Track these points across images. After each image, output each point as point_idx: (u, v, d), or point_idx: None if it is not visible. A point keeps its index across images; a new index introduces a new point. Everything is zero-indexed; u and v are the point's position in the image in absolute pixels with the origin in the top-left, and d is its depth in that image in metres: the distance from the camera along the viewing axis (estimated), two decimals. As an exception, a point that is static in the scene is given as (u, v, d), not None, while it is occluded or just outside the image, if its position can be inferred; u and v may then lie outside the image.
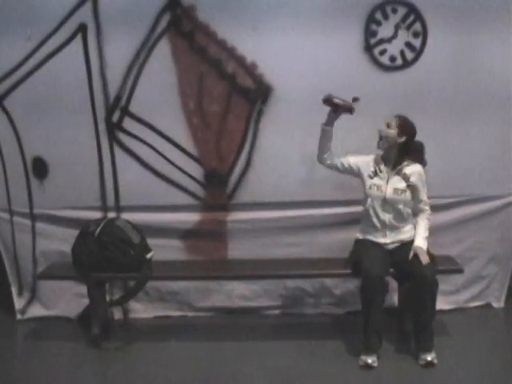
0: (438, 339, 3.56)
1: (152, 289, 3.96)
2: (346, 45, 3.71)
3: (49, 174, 3.90)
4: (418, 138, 3.80)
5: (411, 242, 3.48)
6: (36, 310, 4.06)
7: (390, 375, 3.27)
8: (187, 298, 4.03)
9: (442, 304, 3.95)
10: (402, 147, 3.45)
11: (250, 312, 4.00)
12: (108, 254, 3.54)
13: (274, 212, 3.88)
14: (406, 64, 3.75)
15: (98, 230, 3.59)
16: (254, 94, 3.79)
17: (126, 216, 3.86)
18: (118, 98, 3.81)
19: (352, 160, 3.55)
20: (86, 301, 3.72)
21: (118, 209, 3.92)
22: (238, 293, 4.01)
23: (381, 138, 3.45)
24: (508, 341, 3.66)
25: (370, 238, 3.52)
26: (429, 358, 3.29)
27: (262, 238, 3.91)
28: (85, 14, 3.71)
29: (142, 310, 4.02)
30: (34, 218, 3.97)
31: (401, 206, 3.46)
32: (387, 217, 3.46)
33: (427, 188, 3.85)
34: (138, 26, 3.70)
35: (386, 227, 3.48)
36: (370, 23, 3.70)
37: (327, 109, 3.72)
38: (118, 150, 3.87)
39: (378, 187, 3.46)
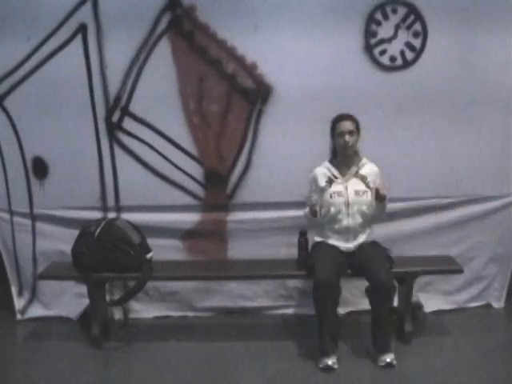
0: (438, 339, 3.58)
1: (152, 289, 3.96)
2: (346, 45, 3.71)
3: (49, 174, 3.90)
4: (417, 139, 3.83)
5: (369, 243, 3.48)
6: (36, 310, 4.05)
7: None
8: (187, 298, 4.03)
9: (442, 304, 3.97)
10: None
11: (250, 312, 4.00)
12: (108, 255, 3.54)
13: (274, 212, 3.88)
14: (406, 64, 3.75)
15: (98, 230, 3.59)
16: (254, 94, 3.79)
17: (126, 216, 3.86)
18: (118, 98, 3.81)
19: (316, 191, 3.47)
20: (86, 301, 3.72)
21: (118, 209, 3.92)
22: (238, 293, 4.01)
23: (346, 148, 3.41)
24: (508, 341, 3.66)
25: (330, 241, 3.50)
26: (388, 360, 3.27)
27: (262, 238, 3.91)
28: (85, 14, 3.71)
29: (142, 309, 4.02)
30: (33, 218, 3.97)
31: (365, 208, 3.44)
32: (351, 222, 3.44)
33: (427, 188, 3.87)
34: (138, 26, 3.70)
35: (348, 232, 3.46)
36: (370, 23, 3.70)
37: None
38: (118, 150, 3.87)
39: (339, 193, 3.43)
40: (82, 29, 3.73)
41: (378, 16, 3.70)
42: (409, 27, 3.71)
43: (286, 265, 3.73)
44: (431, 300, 3.96)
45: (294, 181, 3.83)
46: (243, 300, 4.02)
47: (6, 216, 3.99)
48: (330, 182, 3.45)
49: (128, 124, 3.84)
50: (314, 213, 3.36)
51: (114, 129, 3.85)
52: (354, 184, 3.44)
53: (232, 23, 3.69)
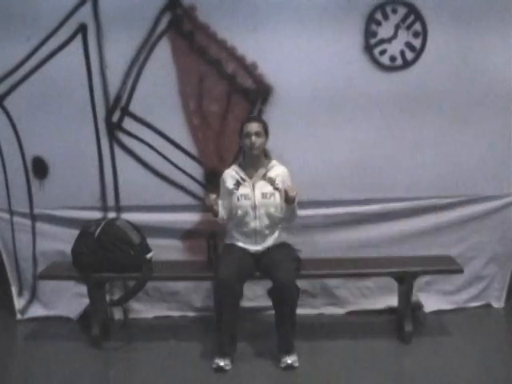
0: (438, 339, 3.58)
1: (152, 289, 3.96)
2: (346, 45, 3.71)
3: (49, 174, 3.90)
4: (417, 139, 3.82)
5: (278, 245, 3.47)
6: (36, 310, 4.05)
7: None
8: (187, 298, 4.03)
9: (442, 304, 3.97)
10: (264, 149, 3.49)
11: (250, 312, 4.00)
12: (108, 255, 3.54)
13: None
14: (406, 64, 3.74)
15: (98, 230, 3.59)
16: (254, 94, 3.79)
17: (125, 216, 3.86)
18: (118, 98, 3.81)
19: (225, 193, 3.50)
20: (86, 301, 3.72)
21: (118, 209, 3.92)
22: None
23: (251, 148, 3.43)
24: (508, 341, 3.66)
25: (239, 244, 3.49)
26: (289, 361, 3.27)
27: (262, 238, 3.91)
28: (85, 14, 3.71)
29: (142, 309, 4.02)
30: (34, 218, 3.97)
31: (272, 210, 3.43)
32: (259, 224, 3.43)
33: (427, 188, 3.86)
34: (138, 26, 3.70)
35: (256, 235, 3.45)
36: (370, 23, 3.70)
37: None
38: (118, 150, 3.87)
39: (246, 196, 3.43)
40: (82, 29, 3.73)
41: (378, 16, 3.70)
42: (409, 27, 3.71)
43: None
44: (431, 300, 3.96)
45: (293, 181, 3.83)
46: (243, 300, 4.01)
47: (6, 216, 4.00)
48: (238, 184, 3.46)
49: (128, 124, 3.84)
50: (214, 213, 3.42)
51: (114, 129, 3.85)
52: (262, 186, 3.43)
53: (232, 23, 3.69)
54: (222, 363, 3.27)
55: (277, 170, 3.48)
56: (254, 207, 3.42)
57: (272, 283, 3.31)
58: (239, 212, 3.45)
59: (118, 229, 3.61)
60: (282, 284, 3.24)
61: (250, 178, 3.47)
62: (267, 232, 3.46)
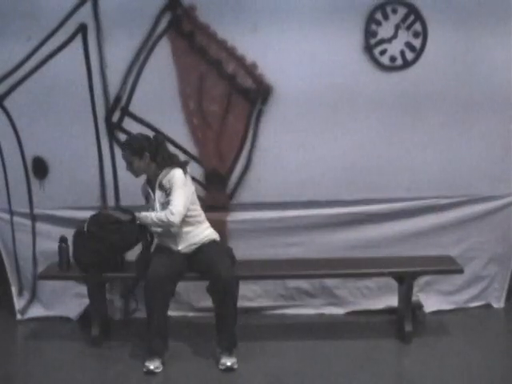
0: (438, 339, 3.57)
1: (152, 289, 3.96)
2: (346, 45, 3.72)
3: (49, 174, 3.90)
4: (417, 139, 3.82)
5: (207, 243, 3.48)
6: (36, 310, 4.05)
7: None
8: (187, 298, 4.02)
9: (442, 304, 3.97)
10: (154, 160, 3.43)
11: (250, 312, 4.00)
12: (104, 243, 3.43)
13: (275, 212, 3.88)
14: (406, 64, 3.75)
15: (86, 224, 3.50)
16: (254, 94, 3.79)
17: (125, 216, 3.86)
18: (118, 98, 3.81)
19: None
20: (86, 301, 3.72)
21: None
22: (238, 293, 4.00)
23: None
24: (508, 341, 3.66)
25: (165, 244, 3.52)
26: (228, 363, 3.26)
27: (262, 238, 3.90)
28: (85, 14, 3.71)
29: (141, 309, 4.01)
30: (34, 218, 3.97)
31: None
32: (172, 228, 3.42)
33: (427, 188, 3.85)
34: (138, 25, 3.71)
35: (175, 236, 3.46)
36: (370, 23, 3.71)
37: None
38: (118, 150, 3.87)
39: (153, 208, 3.46)
40: (82, 29, 3.73)
41: (378, 16, 3.70)
42: (409, 27, 3.71)
43: (286, 265, 3.73)
44: (431, 300, 3.96)
45: (294, 181, 3.83)
46: (243, 300, 4.00)
47: (6, 216, 4.00)
48: (147, 198, 3.52)
49: (128, 124, 3.84)
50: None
51: (114, 129, 3.86)
52: (159, 197, 3.44)
53: (232, 23, 3.69)
54: (151, 366, 3.26)
55: (169, 176, 3.40)
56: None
57: (210, 280, 3.32)
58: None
59: (103, 216, 3.53)
60: (223, 278, 3.24)
61: (153, 190, 3.47)
62: (183, 233, 3.45)
